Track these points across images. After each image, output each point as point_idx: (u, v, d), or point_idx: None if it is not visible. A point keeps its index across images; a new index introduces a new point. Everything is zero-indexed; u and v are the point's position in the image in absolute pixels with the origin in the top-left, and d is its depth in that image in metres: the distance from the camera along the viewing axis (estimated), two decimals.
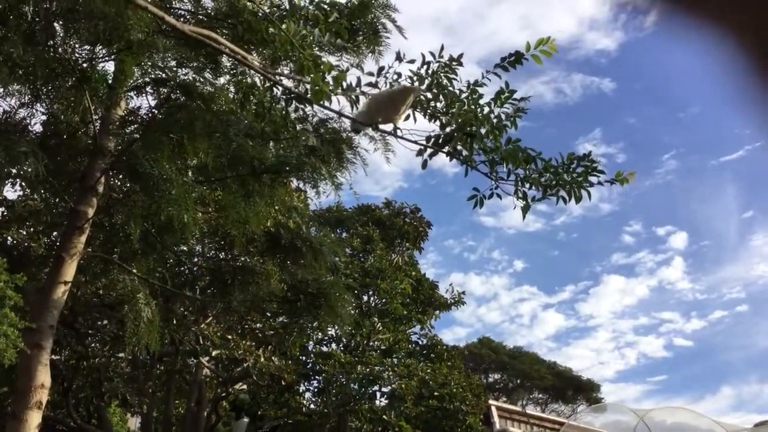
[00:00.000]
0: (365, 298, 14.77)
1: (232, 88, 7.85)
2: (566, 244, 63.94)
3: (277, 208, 9.23)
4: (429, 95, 5.90)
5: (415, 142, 6.44)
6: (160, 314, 8.21)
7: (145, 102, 9.05)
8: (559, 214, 63.47)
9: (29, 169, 6.36)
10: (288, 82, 6.40)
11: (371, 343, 15.10)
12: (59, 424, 13.17)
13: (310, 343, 15.27)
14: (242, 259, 9.57)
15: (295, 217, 9.42)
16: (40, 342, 7.46)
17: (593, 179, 6.21)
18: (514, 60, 5.67)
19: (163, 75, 7.33)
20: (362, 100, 5.65)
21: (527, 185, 6.56)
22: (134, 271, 8.38)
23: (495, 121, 5.89)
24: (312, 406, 14.64)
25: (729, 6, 1.24)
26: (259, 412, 15.30)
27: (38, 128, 8.12)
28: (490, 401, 17.00)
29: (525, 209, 6.66)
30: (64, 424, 13.17)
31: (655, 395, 61.37)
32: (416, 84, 5.76)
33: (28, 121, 7.93)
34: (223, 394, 13.84)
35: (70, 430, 13.10)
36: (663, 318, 62.80)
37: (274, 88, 7.30)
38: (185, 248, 10.64)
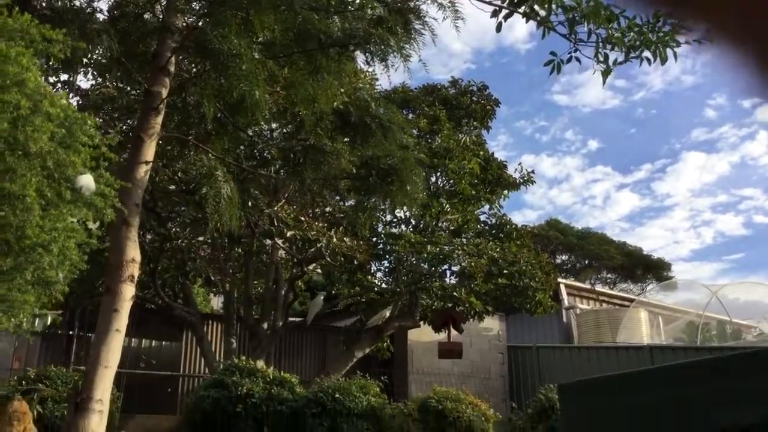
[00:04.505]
0: (433, 179, 14.76)
1: None
2: (644, 121, 61.61)
3: (343, 90, 9.14)
4: None
5: (490, 3, 6.15)
6: (236, 193, 8.46)
7: None
8: (638, 90, 60.87)
9: (103, 48, 6.44)
10: None
11: (440, 224, 15.23)
12: (148, 302, 14.06)
13: (380, 225, 15.52)
14: (312, 138, 9.61)
15: (363, 94, 9.33)
16: (127, 219, 7.81)
17: (681, 39, 5.84)
18: None
19: None
20: None
21: (609, 46, 6.24)
22: (210, 151, 8.58)
23: None
24: (384, 285, 15.05)
25: None
26: (333, 291, 15.88)
27: (105, 12, 8.16)
28: (559, 279, 17.14)
29: (606, 73, 6.38)
30: (152, 303, 14.05)
31: (731, 273, 60.58)
32: None
33: (95, 3, 7.96)
34: (299, 274, 14.36)
35: (158, 308, 13.98)
36: (743, 195, 60.85)
37: None
38: (257, 129, 10.76)
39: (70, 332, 13.64)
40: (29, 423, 7.11)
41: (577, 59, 6.19)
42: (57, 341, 13.98)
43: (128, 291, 7.77)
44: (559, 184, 63.77)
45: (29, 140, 3.50)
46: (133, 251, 7.91)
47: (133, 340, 14.55)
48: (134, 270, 7.82)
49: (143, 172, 7.93)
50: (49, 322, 14.21)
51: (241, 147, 11.29)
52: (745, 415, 2.06)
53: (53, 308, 13.24)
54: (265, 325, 13.79)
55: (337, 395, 10.19)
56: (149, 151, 7.96)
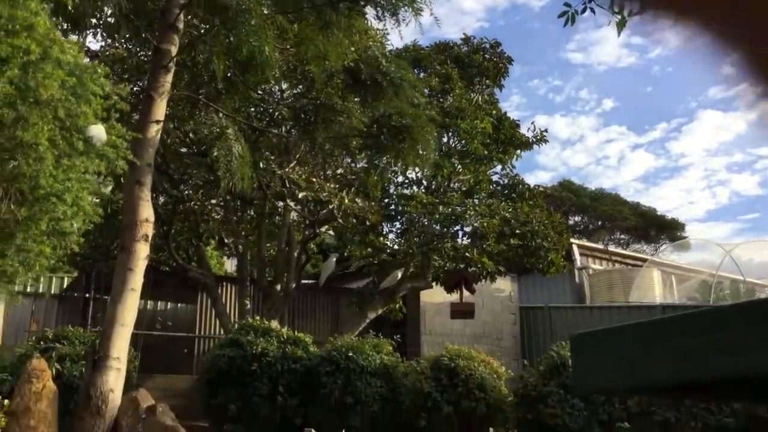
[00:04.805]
0: (445, 139, 14.64)
1: None
2: (660, 79, 60.48)
3: (354, 48, 9.01)
4: None
5: None
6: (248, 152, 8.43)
7: None
8: (654, 46, 59.74)
9: (113, 4, 6.37)
10: None
11: (452, 185, 15.16)
12: (162, 265, 14.17)
13: (392, 186, 15.47)
14: (323, 97, 9.53)
15: (373, 51, 9.20)
16: (140, 179, 7.84)
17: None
18: None
19: None
20: None
21: None
22: (220, 110, 8.54)
23: None
24: (396, 246, 15.06)
25: None
26: (345, 253, 15.92)
27: None
28: (572, 240, 17.08)
29: (621, 25, 6.24)
30: (167, 265, 14.16)
31: (746, 233, 60.13)
32: None
33: None
34: (311, 236, 14.40)
35: (173, 270, 14.09)
36: (760, 154, 59.96)
37: None
38: (267, 88, 10.67)
39: (86, 295, 13.81)
40: (48, 380, 7.23)
41: (592, 9, 6.05)
42: (73, 303, 14.17)
43: (142, 250, 7.83)
44: (573, 145, 63.13)
45: (40, 87, 3.47)
46: (147, 211, 7.94)
47: (149, 302, 14.72)
48: (148, 230, 7.86)
49: (154, 131, 7.92)
50: (65, 285, 14.40)
51: (252, 108, 11.23)
52: (746, 362, 2.09)
53: (68, 270, 13.40)
54: (279, 287, 13.88)
55: (350, 354, 10.28)
56: (160, 110, 7.93)
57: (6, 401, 8.62)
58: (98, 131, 4.45)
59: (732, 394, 4.64)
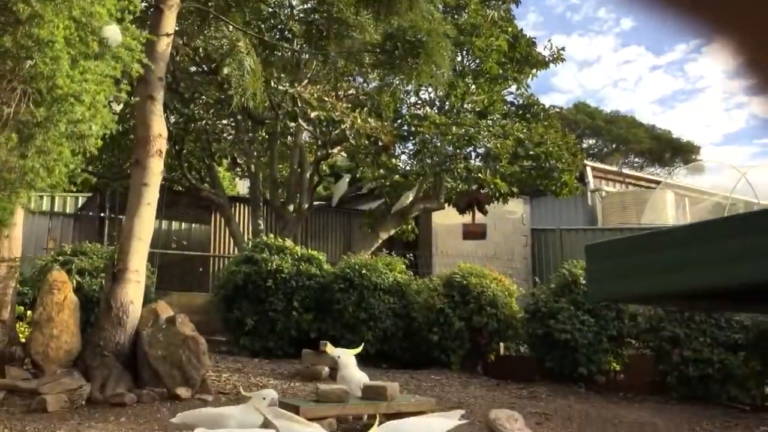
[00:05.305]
0: (459, 58, 14.32)
1: None
2: None
3: None
4: None
5: None
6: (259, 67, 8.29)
7: None
8: None
9: None
10: None
11: (466, 105, 14.94)
12: (176, 184, 14.24)
13: (404, 106, 15.27)
14: (335, 10, 9.28)
15: None
16: (151, 93, 7.77)
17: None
18: None
19: None
20: None
21: None
22: (231, 23, 8.35)
23: None
24: (408, 167, 15.00)
25: None
26: (357, 175, 15.89)
27: None
28: (585, 161, 16.92)
29: None
30: (180, 185, 14.23)
31: (763, 157, 59.52)
32: None
33: None
34: (323, 156, 14.35)
35: (186, 190, 14.17)
36: None
37: None
38: (278, 0, 10.39)
39: (101, 214, 13.95)
40: (69, 291, 7.38)
41: None
42: (89, 222, 14.34)
43: (157, 165, 7.85)
44: (590, 66, 61.86)
45: None
46: (160, 126, 7.91)
47: (163, 222, 14.84)
48: (162, 145, 7.86)
49: (165, 45, 7.79)
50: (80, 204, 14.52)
51: (262, 24, 10.98)
52: (756, 268, 2.13)
53: (80, 189, 13.49)
54: (291, 208, 13.95)
55: (364, 271, 10.41)
56: (170, 23, 7.78)
57: (29, 312, 8.87)
58: (113, 32, 4.37)
59: (742, 304, 4.68)
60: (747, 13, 0.91)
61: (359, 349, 7.18)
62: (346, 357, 6.74)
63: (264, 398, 5.30)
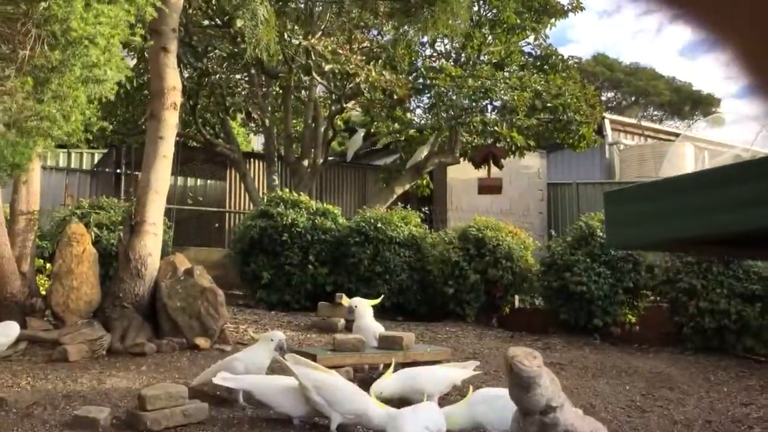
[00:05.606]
0: (476, 7, 14.03)
1: None
2: None
3: None
4: None
5: None
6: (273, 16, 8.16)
7: None
8: None
9: None
10: None
11: (482, 57, 14.70)
12: (190, 140, 14.24)
13: (419, 59, 15.05)
14: None
15: None
16: (165, 45, 7.69)
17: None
18: None
19: None
20: None
21: None
22: None
23: None
24: (423, 121, 14.87)
25: None
26: (372, 130, 15.78)
27: None
28: (604, 114, 16.66)
29: None
30: (195, 140, 14.22)
31: None
32: None
33: None
34: (338, 111, 14.24)
35: (201, 146, 14.16)
36: None
37: None
38: None
39: (117, 170, 14.02)
40: (88, 244, 7.46)
41: None
42: (105, 178, 14.43)
43: (172, 118, 7.83)
44: (610, 16, 60.45)
45: None
46: (174, 79, 7.86)
47: (179, 178, 14.90)
48: (176, 97, 7.82)
49: None
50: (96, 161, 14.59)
51: None
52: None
53: (98, 147, 13.53)
54: (306, 163, 13.92)
55: (379, 225, 10.42)
56: None
57: (48, 265, 8.99)
58: None
59: (761, 251, 4.62)
60: (746, 13, 0.87)
61: (377, 301, 7.23)
62: (363, 307, 6.80)
63: (272, 340, 5.37)
